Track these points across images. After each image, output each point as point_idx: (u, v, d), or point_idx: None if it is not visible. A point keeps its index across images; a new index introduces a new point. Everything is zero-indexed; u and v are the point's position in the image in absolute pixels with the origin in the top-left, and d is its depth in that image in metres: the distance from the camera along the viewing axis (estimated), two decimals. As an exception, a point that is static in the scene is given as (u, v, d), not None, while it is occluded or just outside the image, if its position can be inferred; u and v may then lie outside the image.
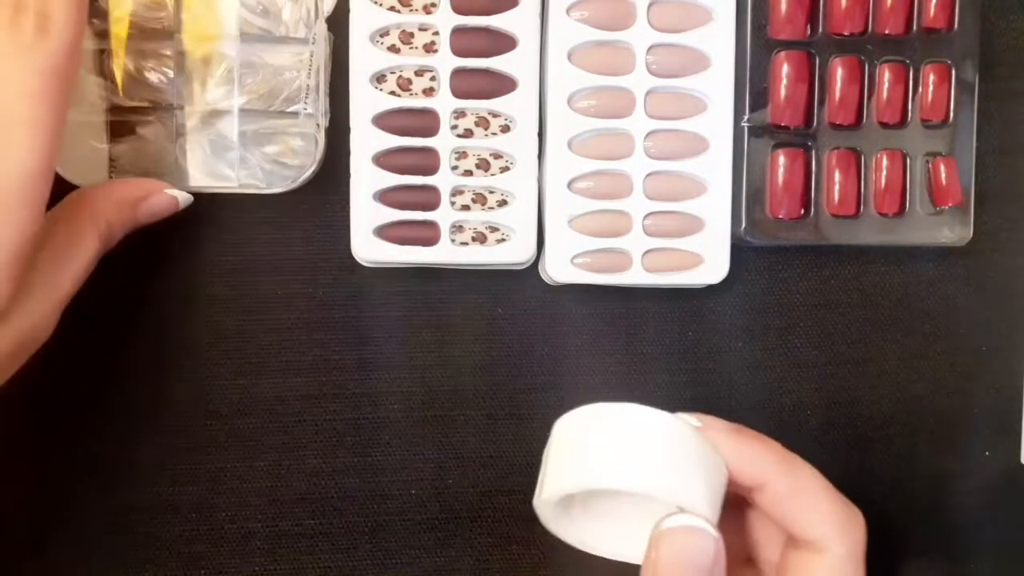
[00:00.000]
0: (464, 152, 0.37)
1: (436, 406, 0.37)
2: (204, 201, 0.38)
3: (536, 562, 0.39)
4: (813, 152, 0.38)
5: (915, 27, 0.38)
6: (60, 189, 0.37)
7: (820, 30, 0.38)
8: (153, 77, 0.36)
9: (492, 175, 0.37)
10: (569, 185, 0.37)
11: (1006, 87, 0.40)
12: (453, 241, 0.37)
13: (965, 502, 0.41)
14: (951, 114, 0.38)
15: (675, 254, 0.38)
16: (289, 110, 0.37)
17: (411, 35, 0.36)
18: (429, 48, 0.36)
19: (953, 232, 0.38)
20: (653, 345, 0.40)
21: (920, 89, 0.38)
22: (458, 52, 0.36)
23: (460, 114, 0.37)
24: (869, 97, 0.38)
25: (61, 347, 0.38)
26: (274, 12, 0.36)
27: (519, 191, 0.37)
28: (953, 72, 0.38)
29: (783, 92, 0.37)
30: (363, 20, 0.36)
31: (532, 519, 0.39)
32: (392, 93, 0.36)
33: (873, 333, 0.40)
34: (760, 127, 0.38)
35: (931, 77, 0.38)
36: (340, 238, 0.37)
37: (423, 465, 0.39)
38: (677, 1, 0.37)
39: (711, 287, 0.38)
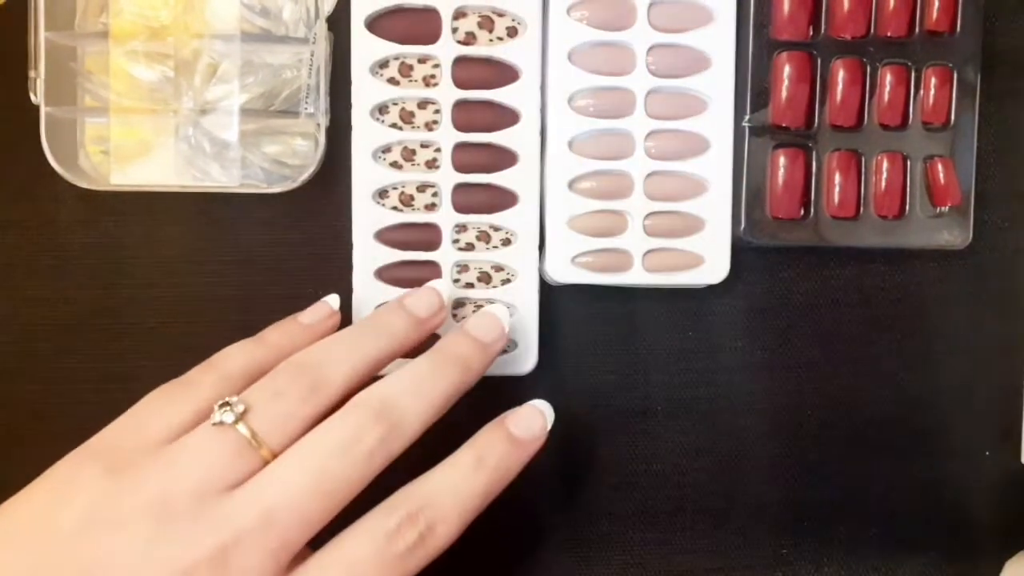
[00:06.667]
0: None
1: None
2: (204, 201, 0.38)
3: (535, 563, 0.39)
4: (813, 153, 0.38)
5: (917, 30, 0.38)
6: (60, 189, 0.37)
7: (822, 32, 0.37)
8: (153, 76, 0.36)
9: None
10: (570, 185, 0.37)
11: (1007, 88, 0.40)
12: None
13: (965, 503, 0.41)
14: (952, 117, 0.38)
15: (675, 254, 0.38)
16: (289, 110, 0.37)
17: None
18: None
19: (953, 235, 0.38)
20: (653, 345, 0.40)
21: (921, 92, 0.38)
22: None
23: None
24: (870, 99, 0.38)
25: (60, 349, 0.38)
26: (274, 12, 0.36)
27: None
28: (955, 75, 0.38)
29: (784, 93, 0.37)
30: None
31: (531, 520, 0.40)
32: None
33: (873, 334, 0.40)
34: (761, 127, 0.38)
35: (932, 80, 0.38)
36: (340, 238, 0.37)
37: (422, 466, 0.39)
38: (678, 1, 0.37)
39: (711, 287, 0.38)
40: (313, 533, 0.28)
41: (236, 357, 0.32)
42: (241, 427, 0.28)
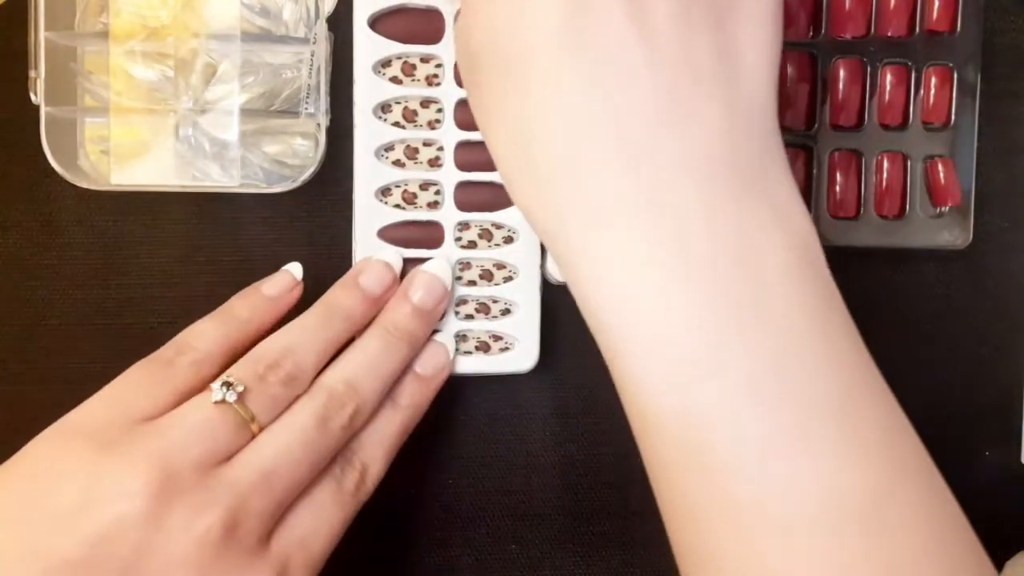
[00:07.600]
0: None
1: (435, 407, 0.37)
2: (204, 201, 0.38)
3: (535, 562, 0.39)
4: (814, 153, 0.38)
5: (918, 30, 0.38)
6: (60, 189, 0.37)
7: (822, 32, 0.37)
8: (153, 76, 0.36)
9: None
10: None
11: (1007, 88, 0.40)
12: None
13: (965, 503, 0.41)
14: (952, 117, 0.38)
15: (676, 254, 0.37)
16: (289, 110, 0.37)
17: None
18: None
19: (953, 235, 0.38)
20: (653, 345, 0.40)
21: (922, 92, 0.38)
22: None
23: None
24: (871, 99, 0.38)
25: (60, 349, 0.38)
26: (274, 12, 0.36)
27: None
28: (955, 75, 0.38)
29: (785, 93, 0.37)
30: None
31: (531, 518, 0.40)
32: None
33: (873, 334, 0.40)
34: (761, 127, 0.38)
35: (933, 80, 0.38)
36: (340, 238, 0.37)
37: (422, 465, 0.39)
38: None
39: (711, 287, 0.38)
40: (295, 496, 0.31)
41: (208, 336, 0.33)
42: (239, 407, 0.31)
